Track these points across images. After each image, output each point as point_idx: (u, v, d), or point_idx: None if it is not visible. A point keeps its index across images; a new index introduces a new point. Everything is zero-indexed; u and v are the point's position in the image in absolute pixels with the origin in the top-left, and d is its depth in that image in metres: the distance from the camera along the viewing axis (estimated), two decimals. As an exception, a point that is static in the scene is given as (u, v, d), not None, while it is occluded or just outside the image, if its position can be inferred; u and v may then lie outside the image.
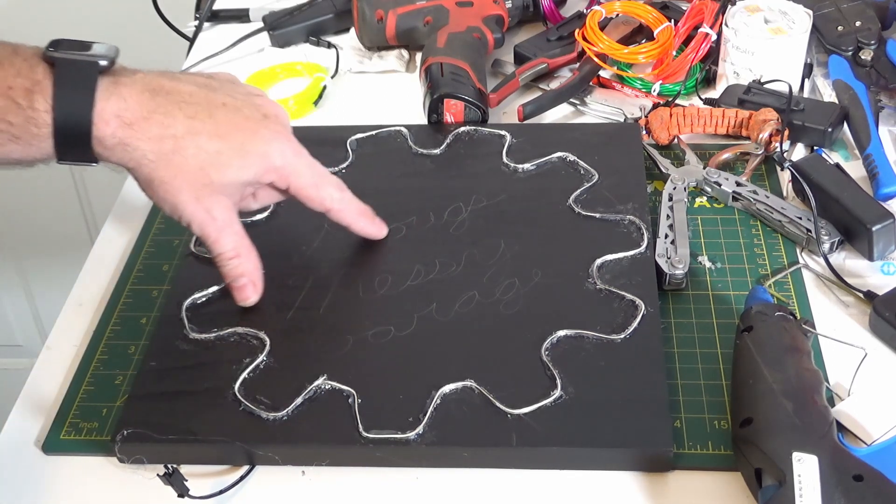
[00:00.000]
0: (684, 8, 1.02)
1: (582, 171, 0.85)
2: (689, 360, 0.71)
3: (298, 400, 0.68)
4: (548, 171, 0.86)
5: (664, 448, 0.64)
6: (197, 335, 0.73)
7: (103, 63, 0.66)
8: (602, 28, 1.00)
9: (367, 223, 0.79)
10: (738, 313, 0.72)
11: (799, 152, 0.89)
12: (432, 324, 0.73)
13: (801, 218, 0.80)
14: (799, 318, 0.70)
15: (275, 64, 1.08)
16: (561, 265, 0.76)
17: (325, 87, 1.03)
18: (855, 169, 0.85)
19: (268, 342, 0.72)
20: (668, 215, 0.81)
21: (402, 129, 0.92)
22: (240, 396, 0.68)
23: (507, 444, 0.65)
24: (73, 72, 0.65)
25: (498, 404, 0.66)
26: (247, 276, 0.73)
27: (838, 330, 0.73)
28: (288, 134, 0.73)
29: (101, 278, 0.83)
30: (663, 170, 0.87)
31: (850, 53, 0.94)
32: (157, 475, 0.64)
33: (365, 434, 0.65)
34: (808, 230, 0.79)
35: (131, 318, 0.78)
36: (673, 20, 1.00)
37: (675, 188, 0.84)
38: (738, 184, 0.84)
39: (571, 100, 0.97)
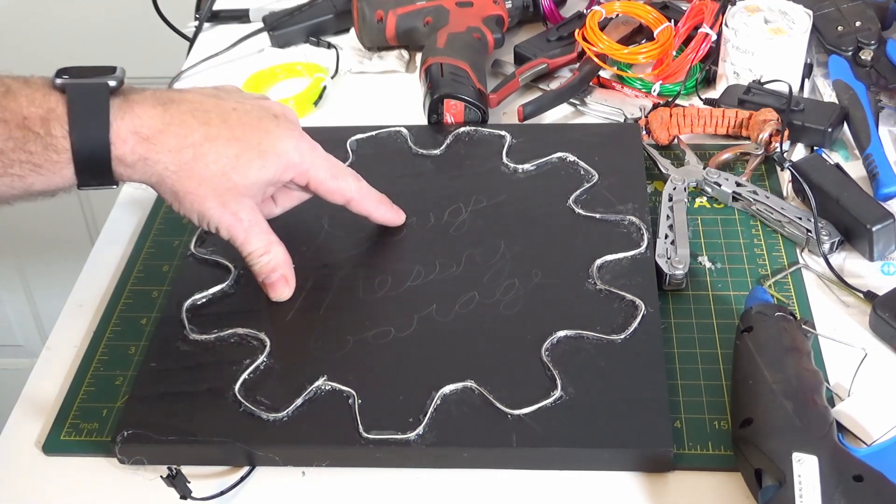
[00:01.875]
0: (684, 8, 1.02)
1: (582, 172, 0.85)
2: (689, 360, 0.71)
3: (298, 400, 0.68)
4: (548, 171, 0.86)
5: (664, 448, 0.64)
6: (197, 336, 0.73)
7: (112, 83, 0.67)
8: (602, 28, 1.00)
9: (387, 210, 0.80)
10: (738, 313, 0.72)
11: (799, 152, 0.89)
12: (432, 324, 0.73)
13: (801, 218, 0.80)
14: (799, 318, 0.70)
15: (275, 64, 1.08)
16: (561, 266, 0.76)
17: (325, 88, 1.03)
18: (855, 169, 0.85)
19: (268, 343, 0.72)
20: (668, 215, 0.81)
21: (402, 129, 0.92)
22: (240, 397, 0.68)
23: (507, 444, 0.65)
24: (85, 95, 0.66)
25: (498, 405, 0.66)
26: (279, 270, 0.74)
27: (838, 330, 0.73)
28: (300, 131, 0.74)
29: (101, 279, 0.83)
30: (663, 170, 0.87)
31: (850, 53, 0.93)
32: (161, 477, 0.64)
33: (365, 435, 0.65)
34: (808, 230, 0.79)
35: (131, 319, 0.78)
36: (673, 20, 1.00)
37: (675, 188, 0.84)
38: (738, 184, 0.84)
39: (571, 100, 0.97)
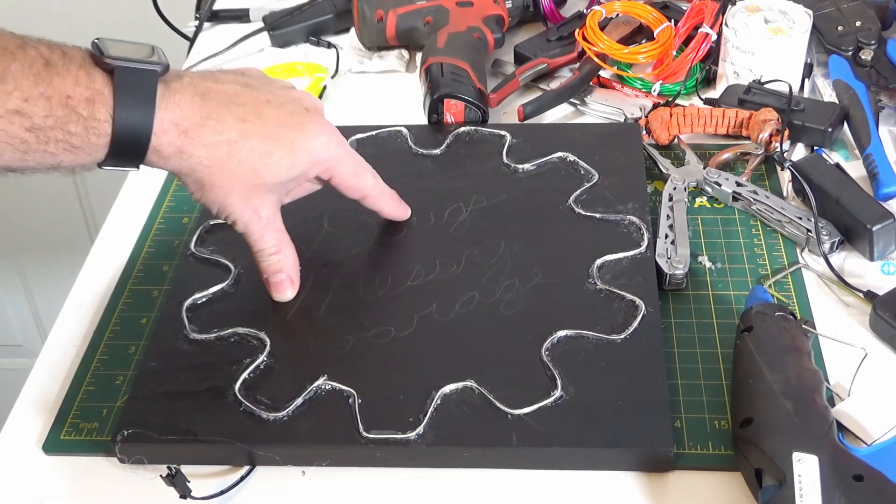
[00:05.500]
0: (684, 8, 1.02)
1: (582, 171, 0.85)
2: (689, 360, 0.71)
3: (299, 400, 0.68)
4: (548, 171, 0.86)
5: (664, 448, 0.64)
6: (197, 335, 0.73)
7: (159, 69, 0.64)
8: (602, 28, 1.00)
9: (397, 206, 0.81)
10: (738, 313, 0.72)
11: (799, 152, 0.89)
12: (433, 324, 0.73)
13: (801, 218, 0.80)
14: (799, 318, 0.70)
15: (275, 64, 1.08)
16: (561, 265, 0.76)
17: (325, 88, 1.03)
18: (855, 169, 0.85)
19: (268, 342, 0.72)
20: (668, 215, 0.81)
21: (402, 129, 0.92)
22: (240, 397, 0.68)
23: (507, 444, 0.65)
24: (133, 80, 0.63)
25: (498, 404, 0.66)
26: (285, 271, 0.74)
27: (838, 330, 0.73)
28: (330, 126, 0.74)
29: (101, 278, 0.83)
30: (663, 170, 0.87)
31: (850, 53, 0.93)
32: (160, 476, 0.65)
33: (365, 434, 0.65)
34: (808, 230, 0.79)
35: (131, 318, 0.78)
36: (673, 20, 1.00)
37: (675, 188, 0.84)
38: (738, 184, 0.84)
39: (571, 100, 0.97)
